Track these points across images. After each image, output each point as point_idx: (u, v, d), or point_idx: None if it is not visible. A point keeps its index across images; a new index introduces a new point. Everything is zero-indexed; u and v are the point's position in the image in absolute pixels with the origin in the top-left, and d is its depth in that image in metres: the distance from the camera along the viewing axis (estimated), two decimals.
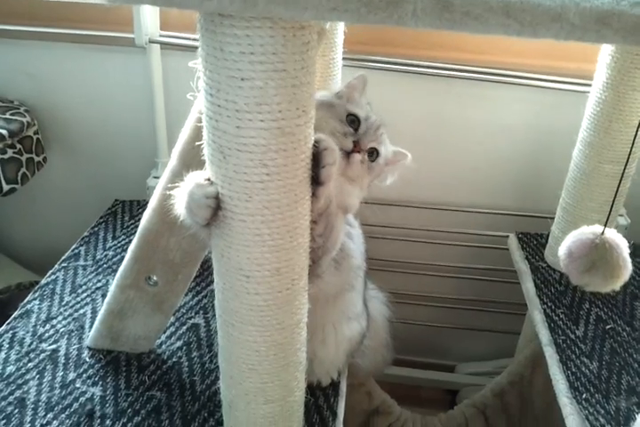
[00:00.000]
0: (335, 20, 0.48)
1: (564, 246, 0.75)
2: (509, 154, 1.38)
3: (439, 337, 1.61)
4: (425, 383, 1.58)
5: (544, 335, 0.98)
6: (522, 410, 1.21)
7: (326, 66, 0.96)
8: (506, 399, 1.23)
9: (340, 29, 0.97)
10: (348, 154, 0.76)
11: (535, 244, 1.26)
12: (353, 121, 0.78)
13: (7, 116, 1.33)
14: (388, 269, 1.47)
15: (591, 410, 0.83)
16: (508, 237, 1.32)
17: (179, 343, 1.00)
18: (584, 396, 0.86)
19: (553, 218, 1.18)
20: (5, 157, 1.28)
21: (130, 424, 0.84)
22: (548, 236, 1.21)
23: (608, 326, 1.02)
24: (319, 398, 0.89)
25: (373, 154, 0.80)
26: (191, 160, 0.75)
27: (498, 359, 1.56)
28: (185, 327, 1.04)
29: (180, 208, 0.65)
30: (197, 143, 0.65)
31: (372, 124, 0.79)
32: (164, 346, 0.99)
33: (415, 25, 0.46)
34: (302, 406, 0.81)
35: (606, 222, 0.73)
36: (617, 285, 0.73)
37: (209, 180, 0.63)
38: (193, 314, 1.07)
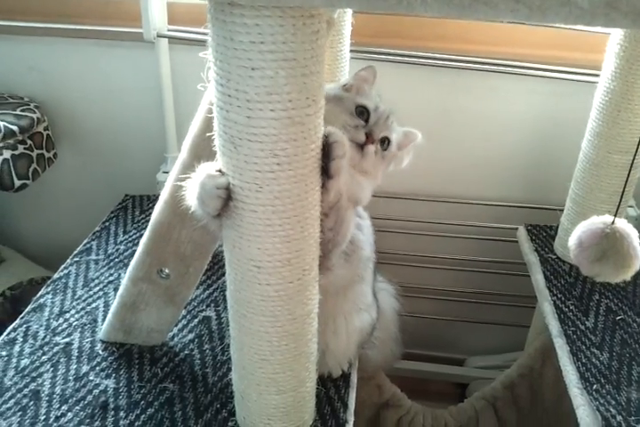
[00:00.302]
0: (344, 6, 0.49)
1: (574, 236, 0.75)
2: (518, 145, 1.38)
3: (449, 331, 1.61)
4: (435, 377, 1.58)
5: (554, 327, 0.98)
6: (532, 402, 1.21)
7: (334, 58, 0.96)
8: (516, 392, 1.22)
9: (347, 21, 0.97)
10: (361, 146, 0.76)
11: (545, 236, 1.25)
12: (362, 113, 0.79)
13: (17, 112, 1.34)
14: (397, 263, 1.47)
15: (602, 401, 0.83)
16: (517, 229, 1.32)
17: (190, 336, 1.01)
18: (594, 387, 0.86)
19: (562, 210, 1.18)
20: (16, 152, 1.29)
21: (143, 416, 0.84)
22: (557, 228, 1.21)
23: (618, 317, 1.02)
24: (330, 389, 0.89)
25: (385, 143, 0.80)
26: (202, 152, 0.76)
27: (508, 353, 1.56)
28: (196, 320, 1.04)
29: (191, 199, 0.66)
30: (208, 134, 0.65)
31: (382, 114, 0.80)
32: (176, 339, 1.00)
33: (424, 11, 0.46)
34: (314, 397, 0.82)
35: (616, 212, 0.73)
36: (628, 274, 0.73)
37: (220, 171, 0.63)
38: (204, 307, 1.08)
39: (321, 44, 0.57)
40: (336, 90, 0.83)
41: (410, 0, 0.46)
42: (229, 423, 0.83)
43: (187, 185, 0.66)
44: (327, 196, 0.67)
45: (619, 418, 0.80)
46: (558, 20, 0.46)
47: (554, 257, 1.18)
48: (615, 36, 1.01)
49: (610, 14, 0.45)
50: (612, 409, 0.82)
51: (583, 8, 0.45)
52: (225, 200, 0.62)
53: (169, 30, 1.29)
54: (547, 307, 1.04)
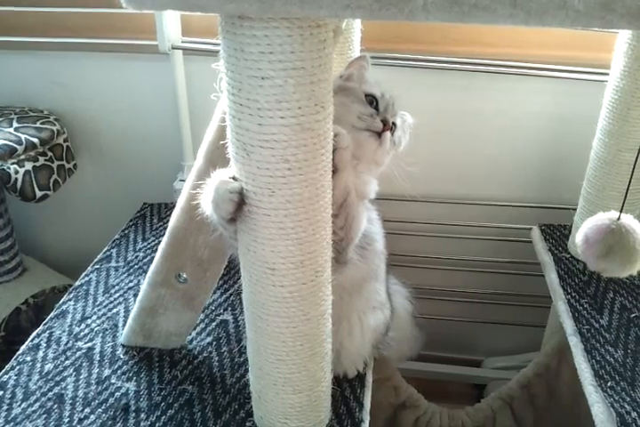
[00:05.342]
0: (349, 16, 0.50)
1: (580, 233, 0.76)
2: (530, 146, 1.39)
3: (465, 332, 1.61)
4: (452, 378, 1.58)
5: (568, 325, 0.99)
6: (549, 401, 1.21)
7: (344, 64, 0.98)
8: (532, 391, 1.22)
9: (356, 28, 0.99)
10: (378, 134, 0.78)
11: (558, 235, 1.26)
12: (372, 101, 0.81)
13: (38, 125, 1.38)
14: (411, 265, 1.48)
15: (616, 398, 0.83)
16: (531, 229, 1.32)
17: (209, 339, 1.02)
18: (609, 384, 0.86)
19: (575, 209, 1.18)
20: (37, 164, 1.33)
21: (163, 417, 0.86)
22: (571, 227, 1.21)
23: (633, 315, 1.01)
24: (346, 389, 0.90)
25: (392, 128, 0.82)
26: (216, 159, 0.78)
27: (525, 353, 1.56)
28: (214, 324, 1.06)
29: (206, 204, 0.68)
30: (222, 142, 0.67)
31: (389, 101, 0.82)
32: (194, 342, 1.02)
33: (426, 18, 0.48)
34: (329, 397, 0.83)
35: (622, 207, 0.73)
36: (634, 269, 0.74)
37: (233, 177, 0.65)
38: (222, 311, 1.10)
39: (328, 53, 0.59)
40: (337, 81, 0.84)
41: (411, 8, 0.48)
42: (247, 423, 0.84)
43: (202, 191, 0.68)
44: (333, 193, 0.68)
45: (634, 414, 0.80)
46: (555, 24, 0.48)
47: (568, 256, 1.18)
48: (623, 35, 1.01)
49: (606, 16, 0.46)
50: (626, 406, 0.82)
51: (579, 11, 0.46)
52: (237, 204, 0.64)
53: (183, 42, 1.32)
54: (561, 306, 1.04)
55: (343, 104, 0.76)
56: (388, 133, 0.79)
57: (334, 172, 0.66)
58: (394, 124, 0.82)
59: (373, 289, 0.89)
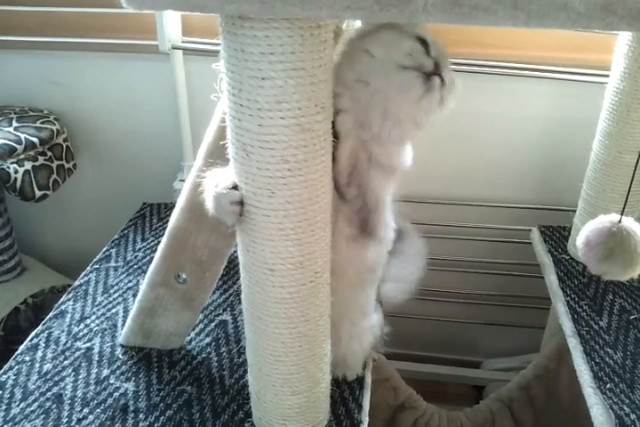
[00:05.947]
0: (349, 17, 0.50)
1: (581, 235, 0.76)
2: (530, 147, 1.39)
3: (465, 333, 1.61)
4: (451, 380, 1.57)
5: (567, 327, 0.98)
6: (548, 403, 1.21)
7: None
8: (532, 393, 1.22)
9: None
10: (427, 77, 0.65)
11: (558, 236, 1.26)
12: (422, 44, 0.67)
13: (37, 124, 1.38)
14: None
15: (615, 400, 0.83)
16: (530, 230, 1.32)
17: (208, 340, 1.02)
18: (608, 386, 0.86)
19: (575, 210, 1.18)
20: (37, 164, 1.32)
21: (162, 418, 0.86)
22: (570, 228, 1.21)
23: (632, 317, 1.01)
24: (344, 390, 0.90)
25: (443, 79, 0.68)
26: (216, 160, 0.78)
27: (524, 355, 1.56)
28: (213, 324, 1.06)
29: (208, 203, 0.67)
30: (222, 143, 0.67)
31: (441, 51, 0.68)
32: (193, 342, 1.01)
33: (426, 20, 0.48)
34: (328, 398, 0.83)
35: (623, 210, 0.73)
36: (635, 272, 0.74)
37: (232, 186, 0.65)
38: (221, 311, 1.10)
39: (329, 53, 0.59)
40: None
41: (412, 10, 0.48)
42: (246, 424, 0.84)
43: (203, 190, 0.68)
44: (338, 163, 0.66)
45: (632, 416, 0.80)
46: (556, 26, 0.48)
47: (567, 258, 1.18)
48: (623, 37, 1.01)
49: (606, 18, 0.47)
50: (625, 408, 0.82)
51: (580, 12, 0.46)
52: (239, 213, 0.64)
53: (183, 42, 1.32)
54: (560, 307, 1.04)
55: (390, 36, 0.64)
56: (437, 79, 0.65)
57: (335, 140, 0.63)
58: (443, 79, 0.67)
59: (366, 298, 0.86)
